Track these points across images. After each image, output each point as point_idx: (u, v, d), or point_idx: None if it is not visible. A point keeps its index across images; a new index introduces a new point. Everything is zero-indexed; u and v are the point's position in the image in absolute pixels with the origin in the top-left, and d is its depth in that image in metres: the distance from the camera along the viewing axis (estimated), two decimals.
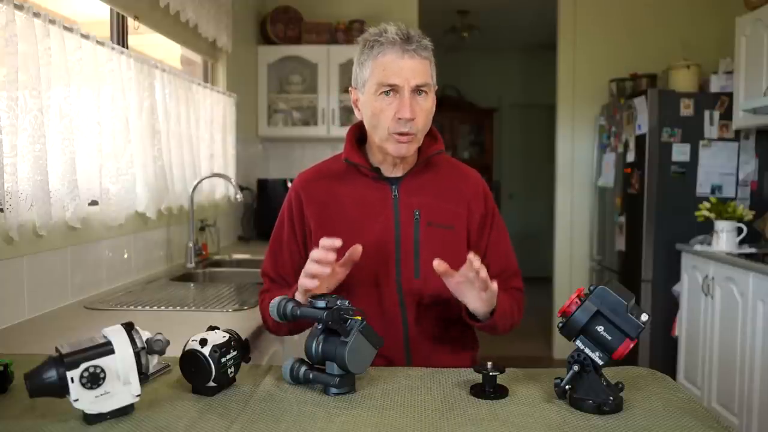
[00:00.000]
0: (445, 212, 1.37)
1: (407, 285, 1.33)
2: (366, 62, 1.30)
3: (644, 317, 0.99)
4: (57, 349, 0.91)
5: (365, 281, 1.33)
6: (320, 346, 1.07)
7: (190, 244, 2.61)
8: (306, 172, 1.45)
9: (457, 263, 1.36)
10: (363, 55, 1.31)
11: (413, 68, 1.26)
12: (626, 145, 3.77)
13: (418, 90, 1.27)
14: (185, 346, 1.05)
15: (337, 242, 1.17)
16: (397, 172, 1.38)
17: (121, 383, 0.93)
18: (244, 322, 1.64)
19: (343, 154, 1.40)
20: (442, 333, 1.36)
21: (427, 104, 1.30)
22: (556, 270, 4.52)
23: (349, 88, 1.39)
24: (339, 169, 1.41)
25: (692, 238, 3.33)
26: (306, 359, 1.11)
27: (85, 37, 1.85)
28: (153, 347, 0.96)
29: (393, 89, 1.27)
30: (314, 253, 1.16)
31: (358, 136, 1.42)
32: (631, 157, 3.70)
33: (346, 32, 3.97)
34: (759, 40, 3.03)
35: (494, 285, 1.19)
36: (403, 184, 1.37)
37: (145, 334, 0.97)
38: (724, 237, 3.08)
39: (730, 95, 3.37)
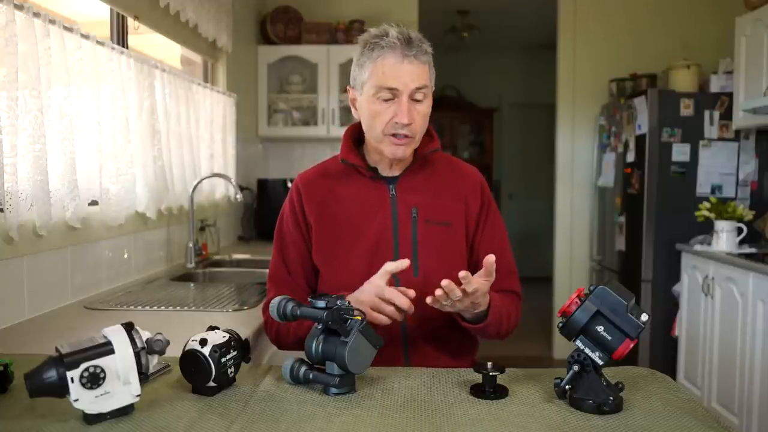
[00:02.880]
0: (442, 209, 1.37)
1: (406, 284, 1.33)
2: (366, 64, 1.30)
3: (644, 317, 0.99)
4: (57, 349, 0.91)
5: (364, 280, 1.33)
6: (320, 346, 1.07)
7: (190, 244, 2.61)
8: (306, 172, 1.46)
9: (455, 260, 1.36)
10: (363, 56, 1.31)
11: (412, 73, 1.27)
12: (626, 145, 3.77)
13: (416, 95, 1.28)
14: (185, 346, 1.05)
15: (405, 263, 1.20)
16: (395, 171, 1.39)
17: (121, 383, 0.93)
18: (244, 322, 1.64)
19: (340, 154, 1.40)
20: (441, 333, 1.36)
21: (425, 108, 1.31)
22: (556, 270, 4.52)
23: (347, 87, 1.39)
24: (337, 169, 1.42)
25: (692, 238, 3.33)
26: (306, 359, 1.11)
27: (85, 37, 1.85)
28: (153, 347, 0.96)
29: (392, 93, 1.27)
30: (391, 292, 1.20)
31: (356, 136, 1.43)
32: (631, 157, 3.70)
33: (346, 32, 3.97)
34: (759, 40, 3.03)
35: (483, 286, 1.19)
36: (400, 183, 1.38)
37: (145, 334, 0.97)
38: (724, 237, 3.08)
39: (730, 95, 3.37)
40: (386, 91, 1.27)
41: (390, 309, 1.21)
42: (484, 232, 1.42)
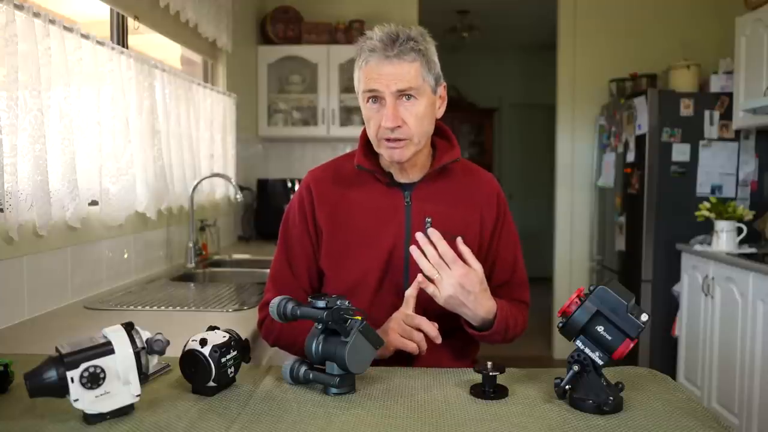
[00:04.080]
0: (456, 220, 1.34)
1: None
2: (356, 70, 1.31)
3: (644, 317, 0.99)
4: (57, 349, 0.91)
5: (373, 287, 1.32)
6: (320, 346, 1.07)
7: (190, 244, 2.61)
8: (318, 170, 1.42)
9: None
10: (356, 63, 1.31)
11: (394, 74, 1.24)
12: (626, 145, 3.77)
13: (404, 95, 1.25)
14: (185, 346, 1.05)
15: (417, 282, 1.23)
16: (411, 177, 1.36)
17: (121, 383, 0.93)
18: (244, 322, 1.64)
19: (355, 159, 1.37)
20: (446, 342, 1.35)
21: (417, 108, 1.26)
22: (556, 270, 4.52)
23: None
24: (351, 172, 1.38)
25: (692, 238, 3.33)
26: (306, 359, 1.11)
27: (85, 37, 1.85)
28: (153, 347, 0.96)
29: (378, 96, 1.26)
30: (428, 327, 1.22)
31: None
32: (631, 157, 3.70)
33: (346, 32, 3.97)
34: (759, 40, 3.03)
35: (476, 265, 1.22)
36: (416, 191, 1.35)
37: (145, 334, 0.97)
38: (724, 237, 3.08)
39: (730, 95, 3.37)
40: (371, 94, 1.26)
41: (419, 335, 1.22)
42: (500, 243, 1.40)
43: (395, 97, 1.25)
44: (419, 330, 1.22)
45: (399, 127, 1.25)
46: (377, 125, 1.27)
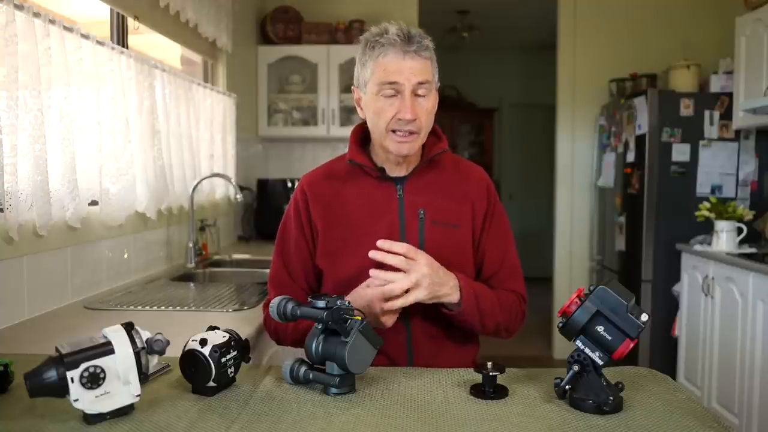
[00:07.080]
0: (449, 211, 1.37)
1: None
2: (367, 62, 1.31)
3: (644, 317, 0.99)
4: (57, 349, 0.91)
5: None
6: (320, 346, 1.07)
7: (190, 244, 2.61)
8: (311, 173, 1.45)
9: (462, 261, 1.36)
10: (364, 55, 1.31)
11: (414, 68, 1.27)
12: (626, 145, 3.77)
13: (419, 90, 1.28)
14: (185, 346, 1.05)
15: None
16: (402, 172, 1.38)
17: (121, 383, 0.93)
18: (244, 322, 1.64)
19: (347, 154, 1.40)
20: (444, 332, 1.36)
21: (429, 103, 1.31)
22: (556, 270, 4.52)
23: (352, 87, 1.39)
24: (344, 170, 1.41)
25: (692, 238, 3.33)
26: (306, 359, 1.11)
27: (85, 37, 1.85)
28: (153, 347, 0.96)
29: (394, 89, 1.28)
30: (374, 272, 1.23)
31: (362, 136, 1.43)
32: (631, 157, 3.70)
33: (346, 32, 3.97)
34: (759, 40, 3.03)
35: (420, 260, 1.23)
36: (407, 184, 1.37)
37: (145, 334, 0.97)
38: (724, 237, 3.08)
39: (730, 95, 3.37)
40: (389, 87, 1.27)
41: (386, 276, 1.22)
42: (489, 232, 1.41)
43: (412, 91, 1.27)
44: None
45: (413, 120, 1.28)
46: (390, 116, 1.29)
